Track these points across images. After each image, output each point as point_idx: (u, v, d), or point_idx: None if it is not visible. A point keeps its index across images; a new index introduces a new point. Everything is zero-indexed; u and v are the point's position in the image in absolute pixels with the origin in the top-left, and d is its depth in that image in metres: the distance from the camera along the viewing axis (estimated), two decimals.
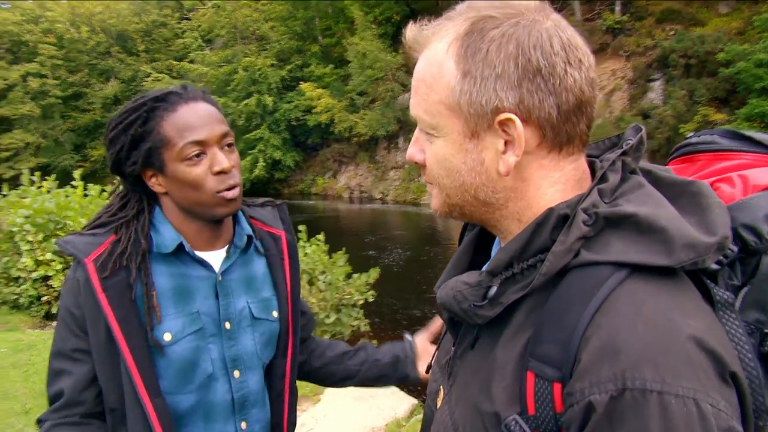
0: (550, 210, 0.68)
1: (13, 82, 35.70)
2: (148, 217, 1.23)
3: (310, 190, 27.21)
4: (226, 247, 1.30)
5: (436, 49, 0.71)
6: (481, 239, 0.88)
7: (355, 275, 5.36)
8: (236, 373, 1.26)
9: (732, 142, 0.83)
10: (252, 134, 26.62)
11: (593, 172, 0.76)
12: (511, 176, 0.70)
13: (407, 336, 1.56)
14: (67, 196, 6.76)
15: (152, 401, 1.13)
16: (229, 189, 1.18)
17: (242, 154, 26.43)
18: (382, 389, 4.43)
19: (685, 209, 0.67)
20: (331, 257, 5.53)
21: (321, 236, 5.65)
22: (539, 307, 0.67)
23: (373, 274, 5.35)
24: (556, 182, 0.72)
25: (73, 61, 37.39)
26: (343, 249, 5.66)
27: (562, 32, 0.67)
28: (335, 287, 5.19)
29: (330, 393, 4.34)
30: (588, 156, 0.77)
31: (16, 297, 6.83)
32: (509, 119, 0.66)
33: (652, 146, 15.40)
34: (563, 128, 0.68)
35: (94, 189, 6.86)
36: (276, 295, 1.36)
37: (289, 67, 27.43)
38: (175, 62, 30.54)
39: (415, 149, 0.78)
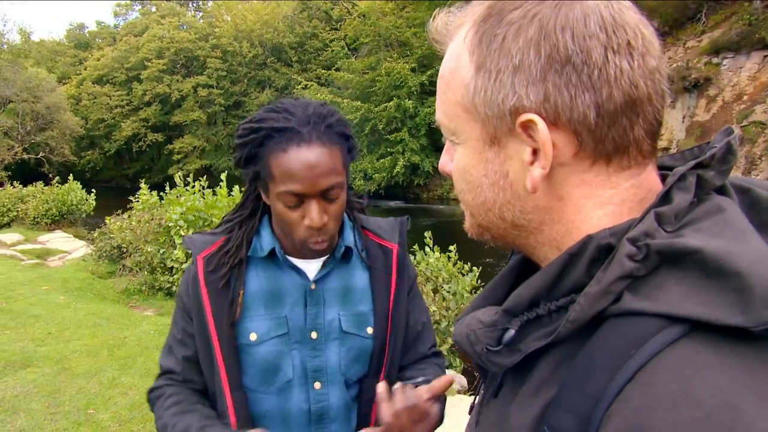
0: (589, 238, 0.53)
1: (186, 93, 40.16)
2: (257, 220, 1.27)
3: (449, 195, 27.05)
4: (326, 256, 1.28)
5: (457, 38, 0.60)
6: (526, 266, 0.70)
7: (480, 290, 5.09)
8: (317, 385, 1.23)
9: None
10: (393, 136, 27.07)
11: None
12: (542, 193, 0.56)
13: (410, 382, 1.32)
14: (214, 194, 7.32)
15: (232, 394, 1.18)
16: (316, 243, 1.17)
17: (382, 155, 27.49)
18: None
19: None
20: (455, 265, 5.32)
21: (453, 247, 5.44)
22: (568, 361, 0.53)
23: None
24: (605, 203, 0.55)
25: (234, 73, 41.03)
26: (469, 264, 5.41)
27: (605, 8, 0.52)
28: (461, 296, 4.97)
29: (447, 406, 4.14)
30: (668, 169, 0.60)
31: (170, 285, 7.53)
32: (531, 121, 0.52)
33: None
34: (608, 134, 0.53)
35: (236, 189, 7.33)
36: (374, 311, 1.28)
37: (429, 72, 27.57)
38: (322, 71, 32.11)
39: (446, 159, 0.67)
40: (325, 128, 1.13)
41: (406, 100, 26.76)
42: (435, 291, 5.16)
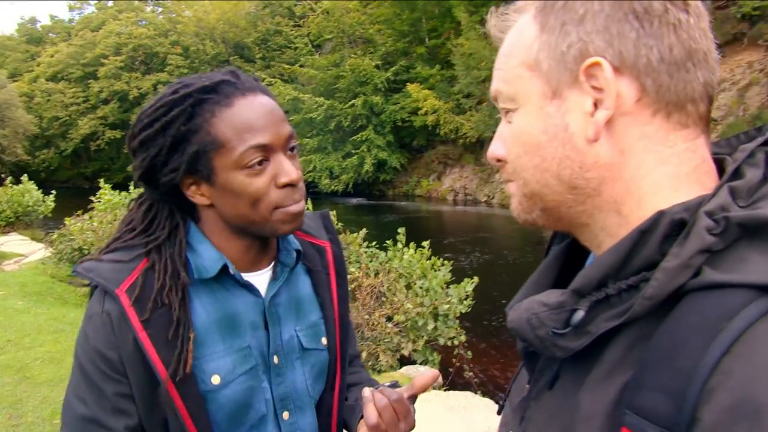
0: (661, 213, 0.53)
1: (146, 91, 39.20)
2: (184, 238, 1.01)
3: (415, 192, 27.18)
4: (271, 265, 1.10)
5: (519, 23, 0.62)
6: (572, 253, 0.71)
7: (453, 286, 5.11)
8: (285, 414, 1.08)
9: None
10: (358, 136, 27.03)
11: (722, 173, 0.58)
12: (603, 145, 0.56)
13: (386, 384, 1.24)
14: None
15: None
16: (294, 202, 0.98)
17: (349, 155, 27.44)
18: (477, 400, 4.21)
19: None
20: (429, 259, 5.32)
21: (426, 243, 5.44)
22: (642, 341, 0.52)
23: (469, 285, 5.08)
24: (664, 161, 0.56)
25: (197, 71, 40.14)
26: (441, 259, 5.43)
27: None
28: (434, 293, 4.98)
29: (421, 401, 4.16)
30: (715, 155, 0.60)
31: None
32: (597, 64, 0.54)
33: None
34: (670, 82, 0.54)
35: None
36: (324, 319, 1.16)
37: (394, 68, 27.63)
38: (286, 65, 31.78)
39: (497, 144, 0.66)
40: (255, 80, 1.01)
41: (373, 97, 26.75)
42: (408, 287, 5.16)
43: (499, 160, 0.66)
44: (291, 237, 1.13)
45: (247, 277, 1.05)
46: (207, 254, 1.01)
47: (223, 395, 0.99)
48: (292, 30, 35.47)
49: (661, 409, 0.47)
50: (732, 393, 0.43)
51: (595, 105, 0.55)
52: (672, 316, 0.49)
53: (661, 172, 0.56)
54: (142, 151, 0.96)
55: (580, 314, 0.55)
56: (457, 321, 5.08)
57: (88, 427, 0.93)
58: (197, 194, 0.98)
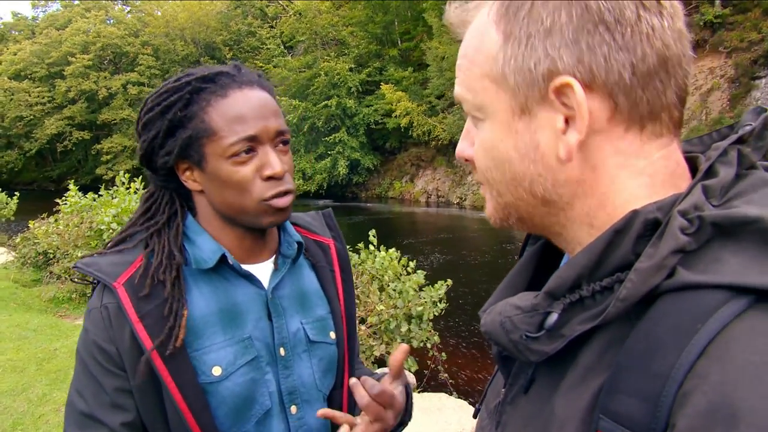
0: (634, 213, 0.51)
1: (115, 91, 38.46)
2: (181, 222, 1.04)
3: (387, 194, 27.25)
4: (272, 258, 1.11)
5: (479, 18, 0.59)
6: (546, 255, 0.70)
7: (426, 288, 5.13)
8: (293, 409, 1.07)
9: None
10: (331, 137, 26.96)
11: (694, 171, 0.58)
12: (575, 163, 0.54)
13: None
14: None
15: None
16: (279, 196, 0.99)
17: (322, 156, 27.34)
18: (451, 401, 4.24)
19: None
20: (400, 261, 5.33)
21: (393, 248, 5.45)
22: (617, 343, 0.50)
23: (442, 288, 5.10)
24: (639, 173, 0.54)
25: (167, 71, 39.61)
26: (414, 261, 5.44)
27: None
28: (407, 295, 4.98)
29: None
30: (686, 153, 0.59)
31: None
32: (566, 84, 0.51)
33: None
34: (643, 96, 0.52)
35: None
36: (331, 313, 1.17)
37: (367, 70, 27.65)
38: (259, 62, 31.47)
39: (465, 144, 0.64)
40: (258, 76, 1.04)
41: (347, 99, 26.71)
42: (381, 289, 5.16)
43: (467, 160, 0.65)
44: (291, 229, 1.14)
45: (247, 268, 1.05)
46: (205, 245, 1.02)
47: (225, 387, 0.97)
48: (265, 31, 35.21)
49: (636, 414, 0.46)
50: (707, 397, 0.41)
51: (567, 120, 0.53)
52: (646, 318, 0.48)
53: (637, 183, 0.55)
54: (144, 133, 1.00)
55: (553, 317, 0.54)
56: (431, 323, 5.09)
57: (85, 423, 0.93)
58: (190, 179, 1.01)
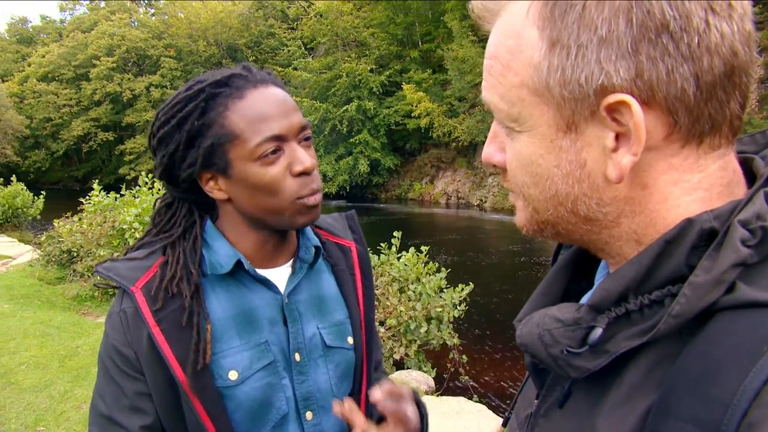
0: (688, 221, 0.48)
1: (139, 93, 39.09)
2: (199, 233, 1.02)
3: (407, 195, 27.19)
4: (290, 262, 1.09)
5: (512, 14, 0.52)
6: (582, 260, 0.67)
7: (448, 290, 5.07)
8: (308, 415, 1.04)
9: None
10: (354, 139, 27.04)
11: (749, 174, 0.54)
12: (625, 183, 0.50)
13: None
14: None
15: None
16: (312, 194, 0.97)
17: (341, 156, 27.39)
18: (471, 405, 4.18)
19: None
20: (426, 264, 5.28)
21: (425, 249, 5.39)
22: (665, 362, 0.47)
23: (465, 290, 5.05)
24: (693, 188, 0.50)
25: (189, 72, 40.14)
26: (435, 263, 5.39)
27: None
28: (428, 297, 4.94)
29: None
30: (739, 154, 0.55)
31: None
32: (622, 102, 0.46)
33: None
34: (705, 110, 0.47)
35: None
36: (350, 318, 1.14)
37: (388, 72, 27.64)
38: (278, 68, 31.71)
39: (492, 148, 0.60)
40: (269, 74, 1.01)
41: (367, 101, 26.75)
42: (401, 291, 5.11)
43: (495, 165, 0.61)
44: (310, 233, 1.12)
45: (264, 273, 1.04)
46: (222, 250, 1.01)
47: (242, 392, 0.97)
48: (285, 33, 35.46)
49: None
50: None
51: (617, 137, 0.48)
52: (702, 337, 0.45)
53: (691, 199, 0.50)
54: (161, 149, 0.97)
55: (598, 332, 0.50)
56: (451, 325, 5.04)
57: (106, 426, 0.94)
58: (215, 189, 0.98)
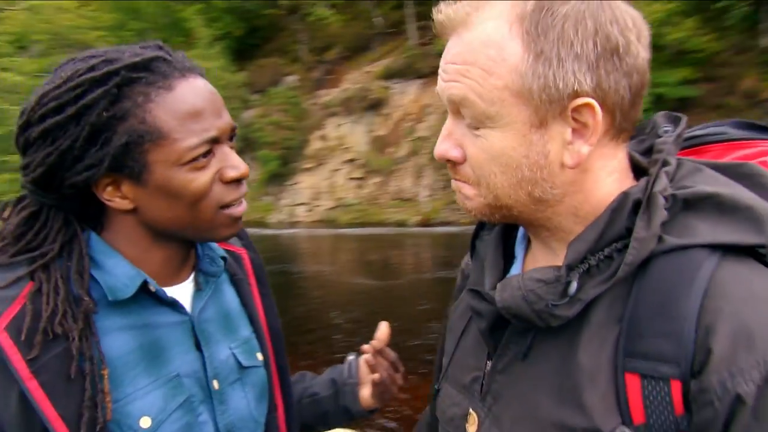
0: (625, 194, 0.64)
1: None
2: (85, 251, 0.83)
3: None
4: (191, 277, 0.96)
5: (486, 28, 0.62)
6: (505, 238, 0.82)
7: None
8: None
9: (744, 132, 0.74)
10: None
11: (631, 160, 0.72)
12: (574, 168, 0.64)
13: (349, 356, 1.24)
14: None
15: None
16: (239, 204, 0.87)
17: None
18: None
19: (753, 189, 0.63)
20: None
21: None
22: (620, 301, 0.62)
23: None
24: (612, 171, 0.67)
25: None
26: None
27: (625, 5, 0.62)
28: None
29: None
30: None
31: None
32: (587, 104, 0.60)
33: None
34: (630, 113, 0.64)
35: None
36: (255, 333, 1.05)
37: None
38: None
39: (449, 144, 0.68)
40: (190, 61, 0.87)
41: None
42: None
43: (449, 160, 0.68)
44: (212, 242, 0.99)
45: (168, 291, 0.89)
46: (120, 270, 0.84)
47: None
48: None
49: (666, 349, 0.56)
50: (729, 325, 0.54)
51: (573, 132, 0.61)
52: (649, 276, 0.59)
53: (611, 180, 0.65)
54: (44, 145, 0.78)
55: (574, 285, 0.61)
56: None
57: None
58: (116, 197, 0.82)
